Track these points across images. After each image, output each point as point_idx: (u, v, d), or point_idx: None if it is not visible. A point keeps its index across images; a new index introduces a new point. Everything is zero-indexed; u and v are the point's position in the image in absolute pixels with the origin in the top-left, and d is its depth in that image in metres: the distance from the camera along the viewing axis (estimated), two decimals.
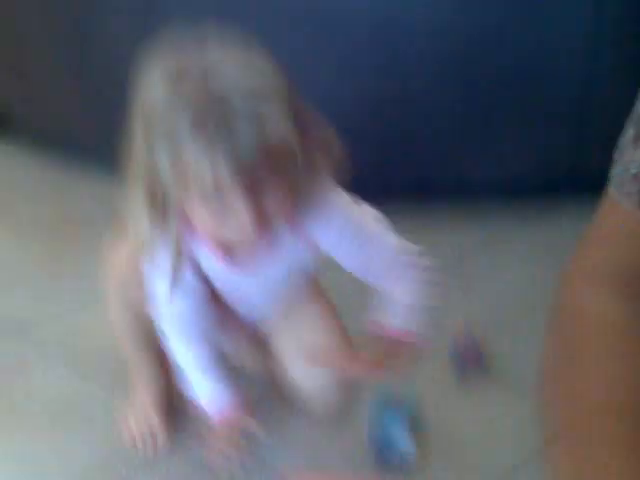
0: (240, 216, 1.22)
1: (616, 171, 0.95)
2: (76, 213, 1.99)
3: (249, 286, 1.44)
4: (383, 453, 1.45)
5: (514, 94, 2.05)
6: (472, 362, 1.64)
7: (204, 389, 1.46)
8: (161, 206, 1.27)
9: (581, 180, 1.91)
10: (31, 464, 1.48)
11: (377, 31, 1.97)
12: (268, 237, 1.31)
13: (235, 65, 1.20)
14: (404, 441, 1.45)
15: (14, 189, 2.18)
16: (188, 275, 1.39)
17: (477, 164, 2.13)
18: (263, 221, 1.23)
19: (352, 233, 1.36)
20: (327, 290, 1.58)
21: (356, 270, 1.41)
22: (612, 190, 0.96)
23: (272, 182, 1.22)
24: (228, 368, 1.47)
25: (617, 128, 0.96)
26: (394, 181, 2.14)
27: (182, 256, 1.34)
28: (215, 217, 1.24)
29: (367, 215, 1.40)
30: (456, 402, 1.59)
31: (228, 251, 1.37)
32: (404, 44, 1.98)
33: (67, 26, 2.04)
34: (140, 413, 1.57)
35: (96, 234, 1.57)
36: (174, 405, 1.58)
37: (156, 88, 1.20)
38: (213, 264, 1.39)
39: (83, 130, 2.05)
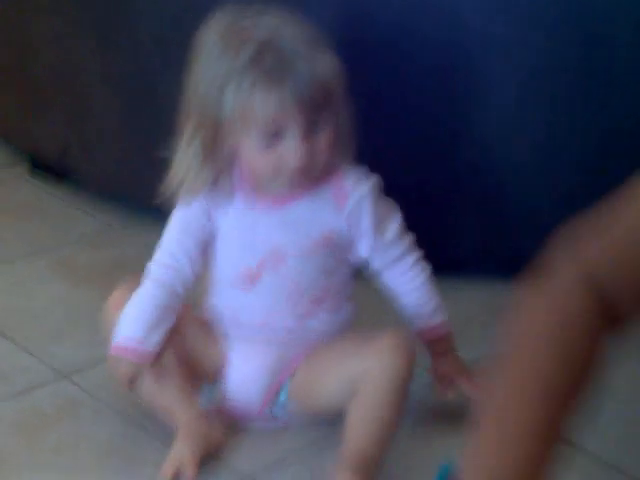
0: (295, 146, 1.38)
1: None
2: (129, 259, 2.03)
3: (267, 227, 1.49)
4: None
5: None
6: None
7: (133, 320, 1.50)
8: (212, 147, 1.43)
9: None
10: None
11: None
12: (310, 174, 1.44)
13: (284, 21, 1.40)
14: None
15: (69, 236, 2.22)
16: (192, 246, 1.51)
17: None
18: (312, 154, 1.40)
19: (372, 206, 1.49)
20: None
21: (371, 255, 1.52)
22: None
23: (324, 117, 1.40)
24: None
25: None
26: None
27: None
28: (269, 150, 1.40)
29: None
30: None
31: (258, 190, 1.48)
32: None
33: (126, 78, 2.09)
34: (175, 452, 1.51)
35: None
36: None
37: (213, 33, 1.40)
38: (235, 209, 1.49)
39: (137, 177, 2.09)
